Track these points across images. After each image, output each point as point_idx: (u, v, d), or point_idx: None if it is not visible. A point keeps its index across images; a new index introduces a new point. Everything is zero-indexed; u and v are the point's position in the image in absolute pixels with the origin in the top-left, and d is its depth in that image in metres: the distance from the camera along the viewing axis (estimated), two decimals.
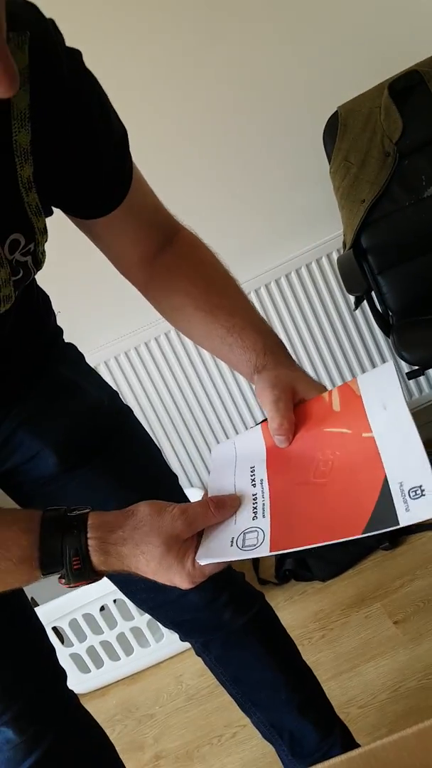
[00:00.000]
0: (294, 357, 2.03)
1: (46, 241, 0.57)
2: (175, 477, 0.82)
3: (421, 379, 1.78)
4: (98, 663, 1.52)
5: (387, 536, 1.51)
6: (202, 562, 0.47)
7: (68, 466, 0.70)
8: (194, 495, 1.67)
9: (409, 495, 0.40)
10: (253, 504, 0.49)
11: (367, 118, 1.42)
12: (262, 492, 0.50)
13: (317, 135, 1.51)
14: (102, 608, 1.50)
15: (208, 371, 1.75)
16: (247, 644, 0.83)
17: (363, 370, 1.78)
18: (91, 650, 1.51)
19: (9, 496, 0.76)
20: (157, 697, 1.43)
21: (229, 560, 0.47)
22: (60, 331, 0.77)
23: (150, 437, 0.82)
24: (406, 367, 1.69)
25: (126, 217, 0.62)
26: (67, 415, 0.71)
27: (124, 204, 0.62)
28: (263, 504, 0.49)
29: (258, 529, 0.47)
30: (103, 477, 0.72)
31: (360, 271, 1.40)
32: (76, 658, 1.51)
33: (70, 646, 1.50)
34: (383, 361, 1.78)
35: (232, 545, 0.47)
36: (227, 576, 0.81)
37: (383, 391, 0.50)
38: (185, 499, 0.80)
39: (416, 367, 1.32)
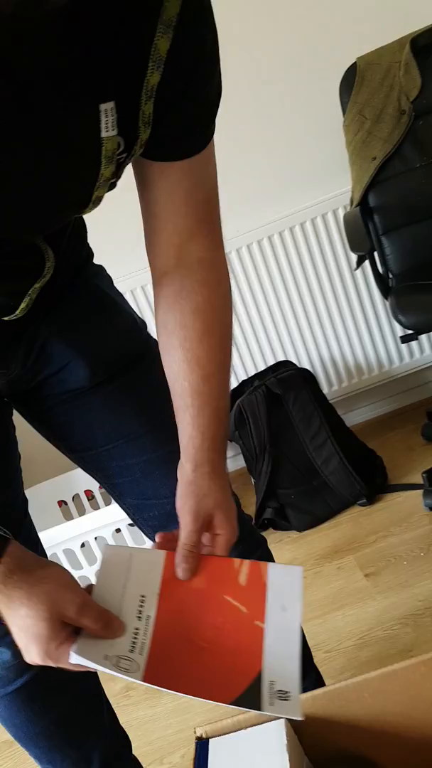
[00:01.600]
0: (290, 313, 2.01)
1: (135, 156, 0.56)
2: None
3: (414, 343, 1.80)
4: None
5: (365, 493, 1.56)
6: (74, 660, 0.47)
7: (96, 381, 0.72)
8: None
9: (277, 694, 0.45)
10: (134, 638, 0.49)
11: (385, 72, 1.37)
12: (146, 631, 0.49)
13: (334, 86, 1.46)
14: (82, 545, 1.55)
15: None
16: None
17: (358, 331, 1.79)
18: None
19: (25, 415, 0.76)
20: None
21: (97, 669, 0.47)
22: (92, 250, 0.77)
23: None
24: (400, 331, 1.70)
25: (181, 180, 0.60)
26: (102, 328, 0.73)
27: (187, 165, 0.59)
28: (143, 643, 0.49)
29: (133, 661, 0.47)
30: (129, 397, 0.74)
31: (365, 230, 1.38)
32: None
33: None
34: (378, 323, 1.78)
35: (105, 659, 0.47)
36: (239, 516, 0.83)
37: (287, 593, 0.52)
38: None
39: (410, 332, 1.32)
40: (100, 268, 0.78)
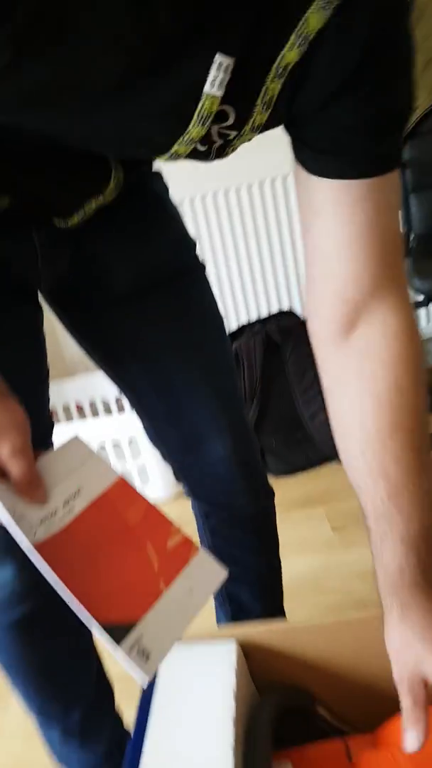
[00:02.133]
0: (303, 263, 1.98)
1: (248, 140, 0.48)
2: (230, 344, 0.83)
3: (422, 311, 1.77)
4: None
5: None
6: None
7: (140, 288, 0.69)
8: None
9: (138, 649, 0.44)
10: (48, 515, 0.48)
11: None
12: (63, 517, 0.48)
13: None
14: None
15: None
16: (244, 530, 0.86)
17: None
18: None
19: (64, 319, 0.74)
20: None
21: None
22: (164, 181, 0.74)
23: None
24: (412, 295, 1.67)
25: (352, 210, 0.48)
26: (152, 235, 0.69)
27: (356, 192, 0.48)
28: (53, 523, 0.48)
29: (35, 528, 0.46)
30: (173, 311, 0.72)
31: None
32: None
33: None
34: None
35: (9, 510, 0.46)
36: (254, 464, 0.83)
37: (201, 583, 0.51)
38: (236, 381, 0.81)
39: (421, 298, 1.30)
40: (159, 175, 0.73)
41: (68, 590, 0.44)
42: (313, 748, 0.54)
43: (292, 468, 1.63)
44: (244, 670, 0.57)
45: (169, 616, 0.47)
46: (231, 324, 1.81)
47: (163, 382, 0.75)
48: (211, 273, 1.72)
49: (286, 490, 1.56)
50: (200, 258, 0.76)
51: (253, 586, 0.90)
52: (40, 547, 0.45)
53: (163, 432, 0.80)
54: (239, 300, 1.79)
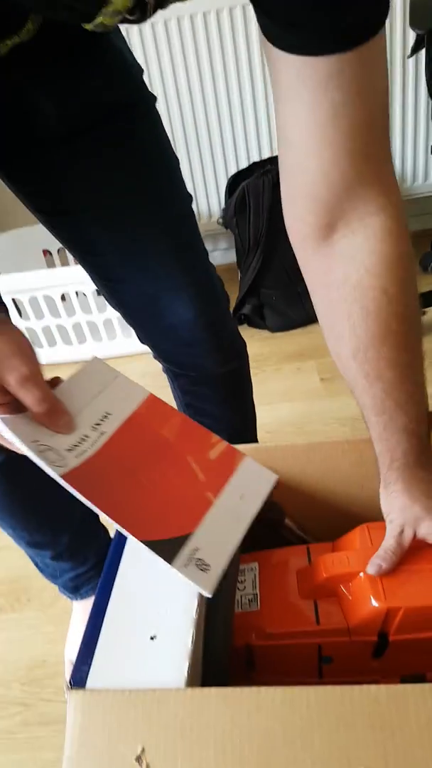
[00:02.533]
0: None
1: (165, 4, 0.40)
2: (190, 198, 0.75)
3: None
4: (51, 342, 1.65)
5: None
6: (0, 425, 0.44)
7: (75, 128, 0.62)
8: None
9: (196, 561, 0.43)
10: (78, 442, 0.45)
11: None
12: (94, 442, 0.46)
13: None
14: (63, 297, 1.57)
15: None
16: (214, 388, 0.85)
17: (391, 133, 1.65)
18: (46, 330, 1.63)
19: (5, 171, 0.67)
20: None
21: (16, 447, 0.44)
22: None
23: (170, 143, 0.72)
24: None
25: (319, 93, 0.41)
26: (82, 65, 0.60)
27: (323, 71, 0.40)
28: (85, 450, 0.45)
29: (64, 458, 0.44)
30: (115, 152, 0.65)
31: None
32: (30, 331, 1.63)
33: (27, 319, 1.60)
34: (415, 128, 1.63)
35: (33, 443, 0.43)
36: (221, 324, 0.80)
37: (251, 489, 0.49)
38: (197, 225, 0.75)
39: None
40: None
41: (104, 513, 0.43)
42: (278, 552, 0.61)
43: (289, 323, 1.64)
44: None
45: (222, 525, 0.46)
46: (241, 162, 1.72)
47: (110, 235, 0.69)
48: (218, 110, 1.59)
49: (280, 346, 1.60)
50: (147, 90, 0.67)
51: (224, 435, 0.91)
52: (70, 476, 0.43)
53: (118, 292, 0.76)
54: (251, 135, 1.68)
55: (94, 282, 0.76)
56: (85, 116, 0.62)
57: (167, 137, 0.70)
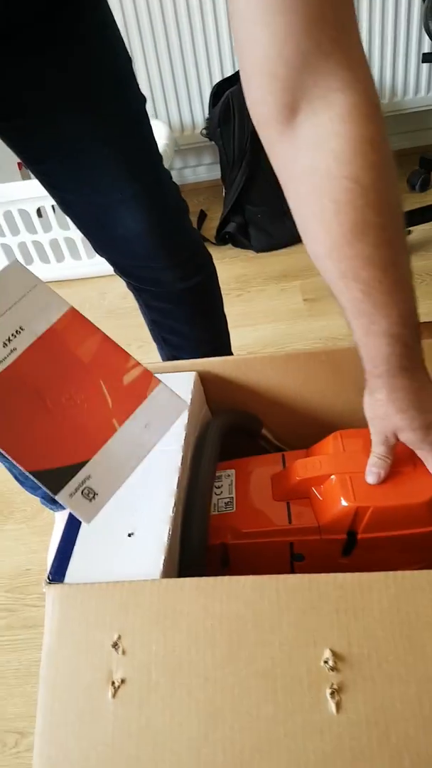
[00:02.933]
0: None
1: None
2: (144, 100, 0.70)
3: None
4: (28, 259, 1.60)
5: None
6: None
7: (9, 20, 0.56)
8: (153, 128, 1.56)
9: (84, 489, 0.42)
10: None
11: None
12: (2, 361, 0.44)
13: None
14: (39, 213, 1.51)
15: None
16: (178, 304, 0.83)
17: (382, 40, 1.56)
18: (22, 246, 1.57)
19: None
20: (79, 307, 1.58)
21: None
22: None
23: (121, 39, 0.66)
24: (428, 46, 1.50)
25: None
26: None
27: None
28: None
29: None
30: (55, 51, 0.60)
31: None
32: (6, 248, 1.58)
33: (3, 236, 1.54)
34: (407, 37, 1.54)
35: None
36: (177, 236, 0.76)
37: (159, 417, 0.46)
38: (151, 130, 0.71)
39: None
40: None
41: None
42: (254, 459, 0.62)
43: (274, 243, 1.61)
44: (200, 393, 0.63)
45: (121, 453, 0.45)
46: (226, 69, 1.62)
47: (54, 141, 0.65)
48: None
49: (264, 266, 1.57)
50: None
51: (194, 353, 0.88)
52: None
53: (68, 203, 0.72)
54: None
55: (48, 193, 0.73)
56: (25, 8, 0.56)
57: (119, 34, 0.66)
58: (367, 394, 0.51)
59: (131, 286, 0.85)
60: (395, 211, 0.45)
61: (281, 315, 1.39)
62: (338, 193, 0.43)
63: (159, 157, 0.73)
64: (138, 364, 0.49)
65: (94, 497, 0.43)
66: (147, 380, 0.48)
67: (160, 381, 0.49)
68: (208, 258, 0.84)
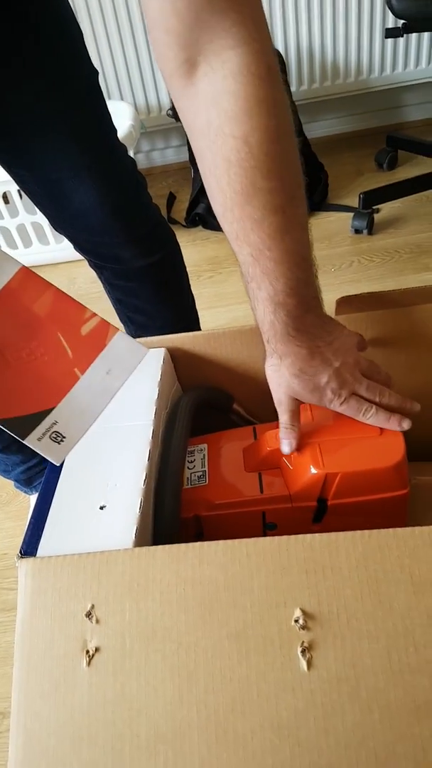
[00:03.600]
0: None
1: None
2: (96, 73, 0.69)
3: (397, 57, 1.60)
4: None
5: None
6: None
7: None
8: (118, 109, 1.53)
9: (52, 434, 0.44)
10: None
11: None
12: None
13: None
14: (5, 198, 1.48)
15: None
16: (141, 282, 0.82)
17: (346, 19, 1.55)
18: None
19: None
20: None
21: None
22: None
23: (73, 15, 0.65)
24: (391, 21, 1.50)
25: None
26: None
27: None
28: None
29: None
30: (7, 30, 0.59)
31: None
32: None
33: None
34: (371, 15, 1.55)
35: None
36: (134, 211, 0.75)
37: (120, 364, 0.48)
38: (103, 103, 0.70)
39: (399, 25, 1.16)
40: None
41: None
42: (226, 433, 0.62)
43: None
44: (171, 369, 0.63)
45: (85, 399, 0.46)
46: None
47: (4, 117, 0.64)
48: None
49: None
50: None
51: (160, 332, 0.89)
52: None
53: (22, 178, 0.71)
54: None
55: (6, 172, 0.72)
56: None
57: (68, 5, 0.65)
58: (266, 363, 0.52)
59: (92, 263, 0.84)
60: (290, 179, 0.45)
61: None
62: (228, 152, 0.43)
63: (113, 130, 0.72)
64: (95, 314, 0.50)
65: (62, 440, 0.45)
66: (104, 330, 0.50)
67: (117, 329, 0.50)
68: (170, 234, 0.83)
